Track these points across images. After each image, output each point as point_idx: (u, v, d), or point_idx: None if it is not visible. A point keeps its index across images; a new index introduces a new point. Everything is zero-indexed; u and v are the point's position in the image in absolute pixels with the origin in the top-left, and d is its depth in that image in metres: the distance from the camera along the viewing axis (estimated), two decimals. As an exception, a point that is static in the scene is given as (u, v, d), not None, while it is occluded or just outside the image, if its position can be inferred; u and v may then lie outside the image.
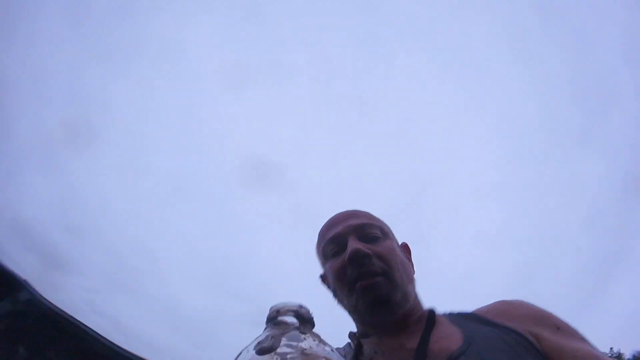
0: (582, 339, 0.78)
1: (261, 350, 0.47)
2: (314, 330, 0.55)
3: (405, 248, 1.01)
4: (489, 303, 0.92)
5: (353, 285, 0.87)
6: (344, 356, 0.84)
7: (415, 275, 0.96)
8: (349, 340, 0.94)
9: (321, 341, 0.52)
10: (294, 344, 0.48)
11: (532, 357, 0.73)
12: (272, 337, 0.49)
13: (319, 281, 1.02)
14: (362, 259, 0.86)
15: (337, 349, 0.86)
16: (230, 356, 0.52)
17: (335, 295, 0.94)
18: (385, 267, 0.87)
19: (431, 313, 0.91)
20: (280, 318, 0.54)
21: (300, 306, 0.56)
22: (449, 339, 0.80)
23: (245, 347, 0.50)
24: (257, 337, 0.51)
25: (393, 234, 0.99)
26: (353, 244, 0.88)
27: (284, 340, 0.49)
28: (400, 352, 0.82)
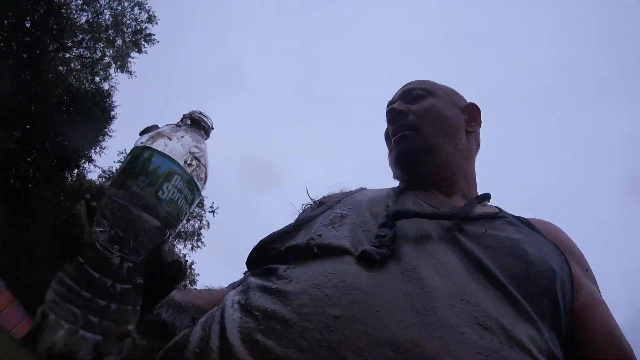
0: (598, 290, 0.74)
1: (142, 130, 0.58)
2: (201, 133, 0.62)
3: (471, 107, 0.99)
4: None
5: (391, 144, 0.91)
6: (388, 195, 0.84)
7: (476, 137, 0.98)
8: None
9: (190, 136, 0.59)
10: (159, 129, 0.58)
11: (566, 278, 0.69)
12: (159, 125, 0.59)
13: None
14: (395, 116, 0.91)
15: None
16: None
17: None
18: (417, 120, 0.89)
19: (485, 194, 0.87)
20: (183, 119, 0.62)
21: (200, 113, 0.63)
22: (491, 209, 0.81)
23: None
24: None
25: (449, 95, 0.97)
26: (393, 105, 0.93)
27: (161, 127, 0.59)
28: (441, 203, 0.81)
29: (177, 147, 0.55)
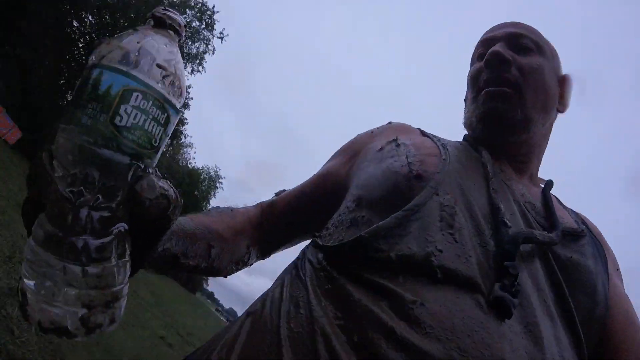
0: (623, 286, 0.77)
1: (93, 46, 0.45)
2: (171, 34, 0.49)
3: (565, 80, 0.85)
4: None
5: (480, 92, 0.79)
6: (458, 144, 0.81)
7: (560, 115, 0.85)
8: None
9: (152, 39, 0.46)
10: (113, 38, 0.45)
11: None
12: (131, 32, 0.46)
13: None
14: (499, 63, 0.77)
15: (444, 140, 0.83)
16: None
17: (465, 106, 0.86)
18: (521, 80, 0.76)
19: (549, 182, 0.82)
20: (146, 21, 0.49)
21: (165, 9, 0.50)
22: (564, 215, 0.75)
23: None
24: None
25: (554, 58, 0.84)
26: (497, 47, 0.77)
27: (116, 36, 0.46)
28: (519, 188, 0.75)
29: (132, 56, 0.43)
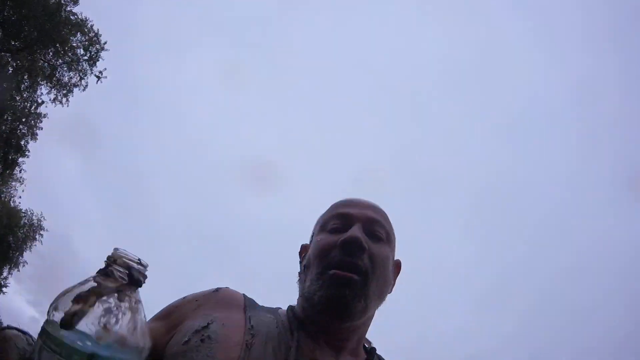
0: None
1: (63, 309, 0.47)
2: (138, 291, 0.52)
3: (397, 266, 0.94)
4: None
5: (327, 270, 0.80)
6: (277, 324, 0.81)
7: (388, 297, 0.91)
8: (285, 313, 0.87)
9: (138, 309, 0.51)
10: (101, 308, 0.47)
11: None
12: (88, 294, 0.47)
13: (298, 249, 0.98)
14: (355, 249, 0.80)
15: (270, 308, 0.87)
16: None
17: (303, 271, 0.88)
18: (370, 269, 0.81)
19: (372, 351, 0.88)
20: (113, 267, 0.51)
21: (139, 262, 0.53)
22: None
23: (67, 292, 0.48)
24: (83, 284, 0.49)
25: (395, 246, 0.93)
26: (356, 231, 0.82)
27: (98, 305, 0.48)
28: None
29: (133, 341, 0.49)
